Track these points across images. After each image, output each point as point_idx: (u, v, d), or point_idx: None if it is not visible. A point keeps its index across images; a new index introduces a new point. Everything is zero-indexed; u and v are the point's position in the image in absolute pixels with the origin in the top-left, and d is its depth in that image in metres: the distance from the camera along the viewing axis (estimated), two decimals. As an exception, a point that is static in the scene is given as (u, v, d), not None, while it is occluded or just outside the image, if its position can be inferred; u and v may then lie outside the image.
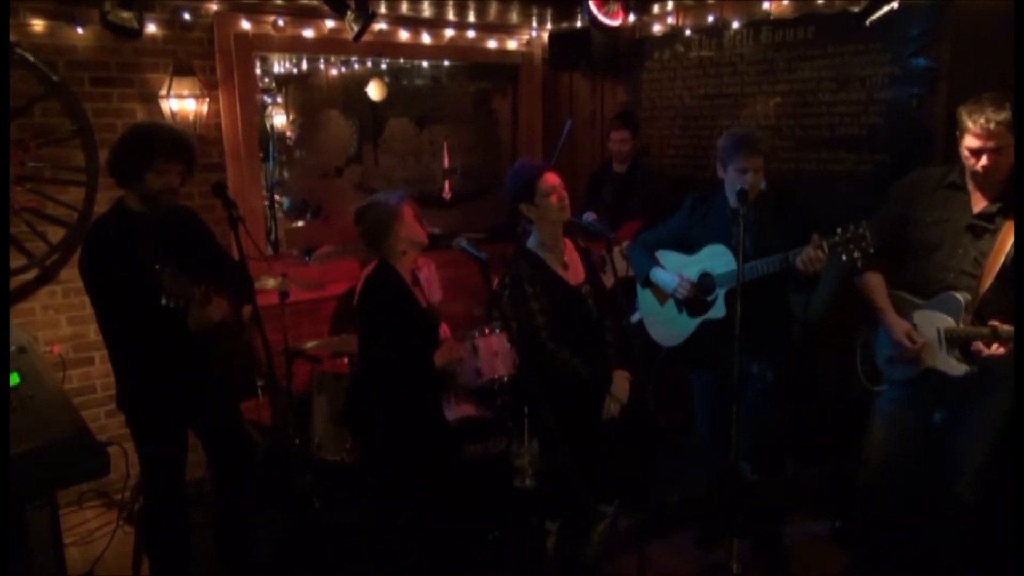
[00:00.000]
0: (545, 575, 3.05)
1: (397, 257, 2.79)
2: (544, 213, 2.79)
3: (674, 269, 3.17)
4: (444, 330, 3.04)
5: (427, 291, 3.88)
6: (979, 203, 2.55)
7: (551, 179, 2.79)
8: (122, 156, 2.57)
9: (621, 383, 2.89)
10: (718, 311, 3.06)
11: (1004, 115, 2.36)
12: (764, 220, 2.94)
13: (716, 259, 3.05)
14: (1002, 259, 2.48)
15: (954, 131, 2.54)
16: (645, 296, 3.37)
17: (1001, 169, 2.45)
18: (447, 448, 3.07)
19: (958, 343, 2.54)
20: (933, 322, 2.59)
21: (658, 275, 3.20)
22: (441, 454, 2.96)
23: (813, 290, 2.89)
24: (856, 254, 2.59)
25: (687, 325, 3.18)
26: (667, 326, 3.28)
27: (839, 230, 2.62)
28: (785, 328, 3.16)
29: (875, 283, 2.77)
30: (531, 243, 2.90)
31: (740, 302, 2.66)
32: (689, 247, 3.18)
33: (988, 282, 2.50)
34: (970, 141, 2.46)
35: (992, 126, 2.38)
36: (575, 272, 2.90)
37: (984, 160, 2.44)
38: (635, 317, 3.49)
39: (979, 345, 2.46)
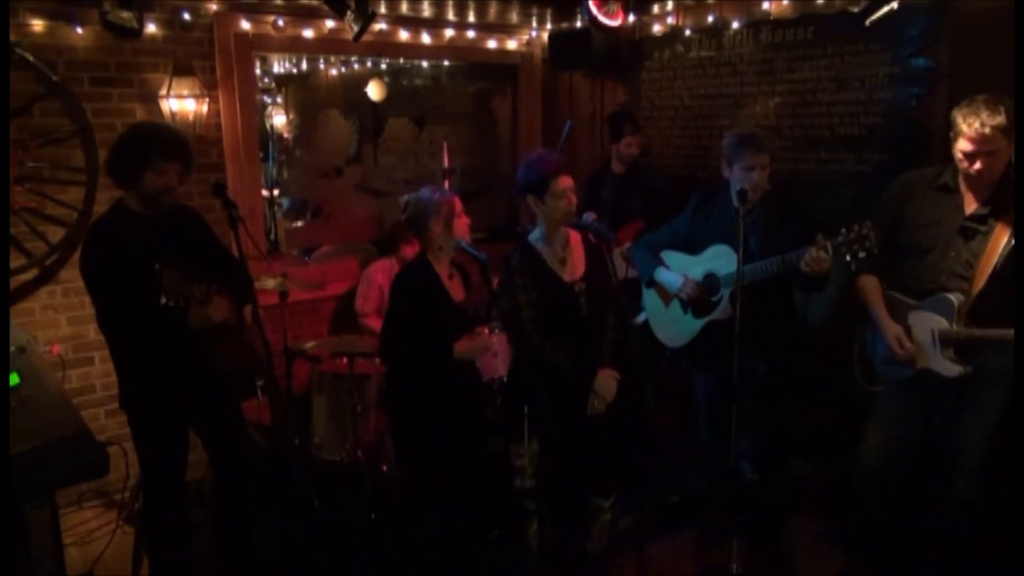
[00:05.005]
0: (542, 571, 3.05)
1: (434, 251, 2.88)
2: (550, 212, 2.79)
3: (679, 270, 3.16)
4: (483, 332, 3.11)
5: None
6: (971, 205, 2.54)
7: (566, 181, 2.78)
8: (120, 156, 2.57)
9: (606, 381, 2.87)
10: (723, 312, 3.05)
11: (999, 120, 2.33)
12: (770, 221, 2.93)
13: (721, 259, 3.03)
14: (994, 260, 2.46)
15: (954, 131, 2.53)
16: (650, 296, 3.36)
17: (994, 172, 2.43)
18: (469, 436, 3.05)
19: (952, 344, 2.54)
20: (927, 323, 2.58)
21: (662, 275, 3.19)
22: (461, 442, 2.97)
23: (823, 290, 2.87)
24: (860, 254, 2.57)
25: (692, 326, 3.17)
26: (672, 327, 3.27)
27: (843, 230, 2.60)
28: (791, 329, 3.14)
29: (870, 285, 2.77)
30: (533, 236, 2.92)
31: (742, 301, 2.65)
32: (693, 247, 3.17)
33: (980, 284, 2.49)
34: (964, 145, 2.42)
35: (987, 131, 2.34)
36: (573, 268, 2.90)
37: (978, 164, 2.41)
38: (640, 318, 3.48)
39: None
